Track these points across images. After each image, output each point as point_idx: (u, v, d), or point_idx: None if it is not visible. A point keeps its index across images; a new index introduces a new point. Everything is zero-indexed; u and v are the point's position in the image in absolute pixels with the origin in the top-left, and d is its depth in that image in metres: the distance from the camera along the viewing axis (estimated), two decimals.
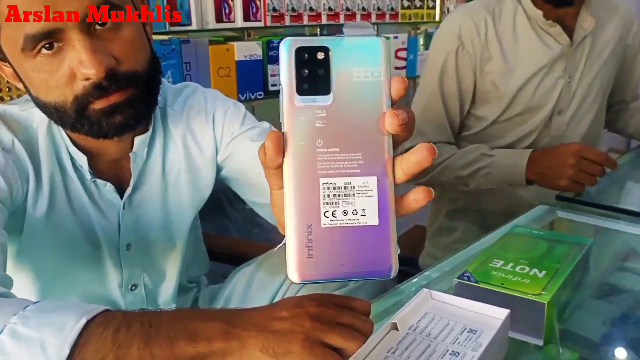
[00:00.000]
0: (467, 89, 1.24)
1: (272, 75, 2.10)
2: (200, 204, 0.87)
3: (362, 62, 0.38)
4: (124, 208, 0.78)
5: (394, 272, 0.38)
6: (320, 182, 0.38)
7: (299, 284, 0.38)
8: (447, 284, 0.68)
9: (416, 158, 0.38)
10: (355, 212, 0.38)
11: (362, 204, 0.38)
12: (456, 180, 1.21)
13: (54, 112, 0.67)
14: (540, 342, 0.62)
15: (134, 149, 0.76)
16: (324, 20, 2.26)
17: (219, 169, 0.86)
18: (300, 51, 0.38)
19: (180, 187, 0.83)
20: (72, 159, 0.74)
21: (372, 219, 0.38)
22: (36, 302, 0.52)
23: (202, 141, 0.84)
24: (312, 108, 0.38)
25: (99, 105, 0.65)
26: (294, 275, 0.38)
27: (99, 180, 0.76)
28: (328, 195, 0.38)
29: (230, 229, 1.86)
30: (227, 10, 1.96)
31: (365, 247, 0.38)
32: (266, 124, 0.87)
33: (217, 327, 0.50)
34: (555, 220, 1.02)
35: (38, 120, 0.73)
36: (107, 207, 0.78)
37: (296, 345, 0.49)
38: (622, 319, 0.72)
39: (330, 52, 0.38)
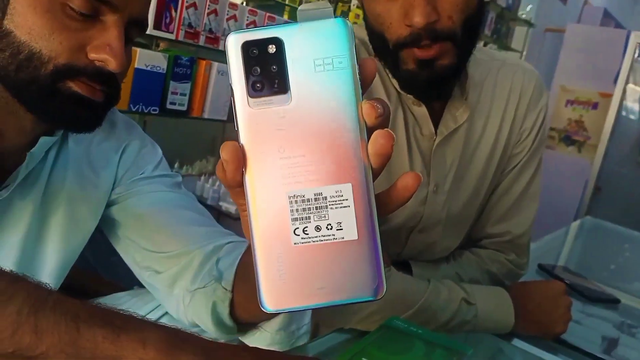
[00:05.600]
0: None
1: (172, 93, 1.94)
2: (80, 244, 0.73)
3: (322, 50, 0.33)
4: None
5: (380, 294, 0.33)
6: (287, 195, 0.33)
7: (272, 312, 0.33)
8: None
9: (374, 149, 0.33)
10: (330, 227, 0.33)
11: (337, 216, 0.33)
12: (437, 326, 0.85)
13: (23, 59, 0.55)
14: None
15: (34, 149, 0.63)
16: None
17: (108, 204, 0.74)
18: (247, 46, 0.33)
19: (59, 214, 0.69)
20: None
21: (351, 233, 0.33)
22: None
23: (100, 168, 0.73)
24: (269, 111, 0.33)
25: (77, 88, 0.58)
26: (265, 303, 0.33)
27: None
28: (297, 210, 0.33)
29: (85, 250, 1.64)
30: None
31: (345, 267, 0.33)
32: (179, 177, 0.78)
33: None
34: None
35: None
36: None
37: None
38: None
39: (283, 43, 0.33)
